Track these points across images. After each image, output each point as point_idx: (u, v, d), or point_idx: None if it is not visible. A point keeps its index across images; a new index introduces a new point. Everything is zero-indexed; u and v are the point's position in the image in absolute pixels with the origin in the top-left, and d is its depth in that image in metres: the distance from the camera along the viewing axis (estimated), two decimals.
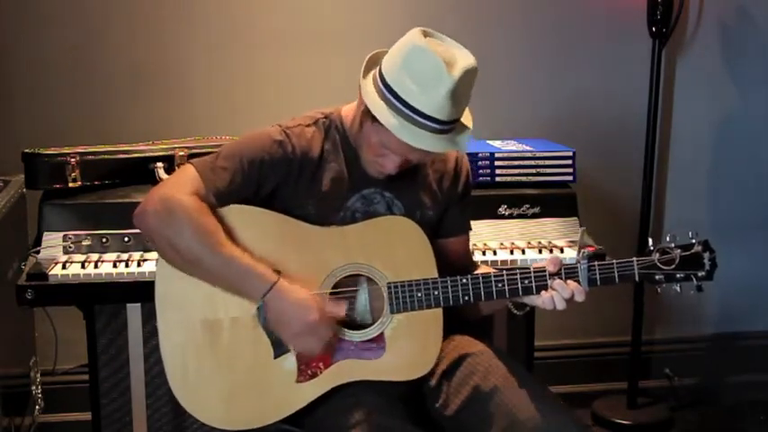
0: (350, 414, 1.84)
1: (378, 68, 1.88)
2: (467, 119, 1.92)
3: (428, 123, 1.81)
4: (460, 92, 1.81)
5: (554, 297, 1.89)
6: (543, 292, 1.91)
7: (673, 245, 1.91)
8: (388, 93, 1.83)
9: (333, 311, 1.89)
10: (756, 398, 3.46)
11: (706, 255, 1.90)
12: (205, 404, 1.92)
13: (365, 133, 1.91)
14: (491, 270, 2.10)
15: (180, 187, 1.88)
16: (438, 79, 1.79)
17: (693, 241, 1.91)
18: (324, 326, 1.87)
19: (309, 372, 1.91)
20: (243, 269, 1.85)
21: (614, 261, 1.91)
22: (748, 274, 3.46)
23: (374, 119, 1.84)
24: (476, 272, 2.08)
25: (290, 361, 1.91)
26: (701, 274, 1.90)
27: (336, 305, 1.90)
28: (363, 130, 1.91)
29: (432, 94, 1.79)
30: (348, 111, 2.01)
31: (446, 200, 2.07)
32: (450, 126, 1.85)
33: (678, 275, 1.90)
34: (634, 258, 1.91)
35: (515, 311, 2.00)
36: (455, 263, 2.08)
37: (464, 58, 1.82)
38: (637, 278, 1.91)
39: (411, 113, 1.81)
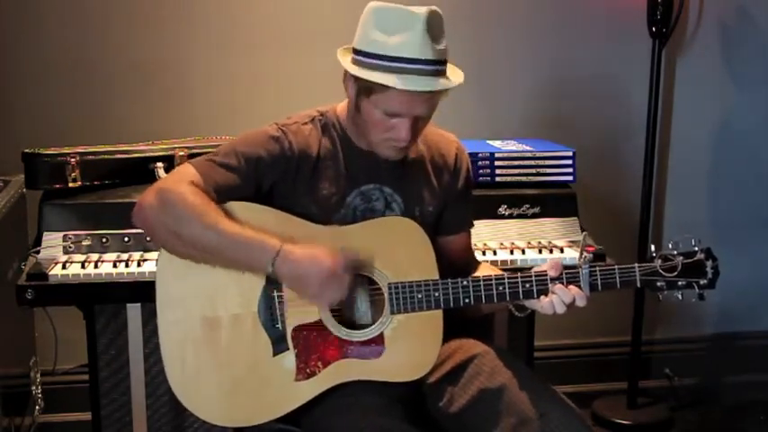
0: (348, 414, 1.84)
1: (351, 50, 1.91)
2: (453, 70, 1.93)
3: (418, 67, 1.82)
4: (434, 28, 1.83)
5: (554, 301, 1.89)
6: (543, 297, 1.91)
7: (675, 252, 1.90)
8: (370, 58, 1.85)
9: (346, 253, 1.86)
10: (756, 398, 3.47)
11: (708, 263, 1.89)
12: (204, 401, 1.92)
13: (366, 114, 1.90)
14: (493, 269, 2.10)
15: (177, 180, 1.89)
16: (409, 22, 1.82)
17: (696, 249, 1.90)
18: (342, 268, 1.84)
19: (308, 370, 1.91)
20: (246, 242, 1.84)
21: (616, 266, 1.91)
22: (748, 275, 3.46)
23: (368, 93, 1.85)
24: (477, 271, 2.09)
25: (289, 359, 1.91)
26: (702, 282, 1.89)
27: (347, 250, 1.87)
28: (363, 112, 1.91)
29: (409, 36, 1.82)
30: (344, 108, 2.01)
31: (445, 195, 2.07)
32: (440, 67, 1.86)
33: (680, 283, 1.89)
34: (636, 264, 1.89)
35: (517, 313, 2.00)
36: (456, 261, 2.08)
37: (423, 6, 1.85)
38: (638, 284, 1.90)
39: (399, 64, 1.82)
